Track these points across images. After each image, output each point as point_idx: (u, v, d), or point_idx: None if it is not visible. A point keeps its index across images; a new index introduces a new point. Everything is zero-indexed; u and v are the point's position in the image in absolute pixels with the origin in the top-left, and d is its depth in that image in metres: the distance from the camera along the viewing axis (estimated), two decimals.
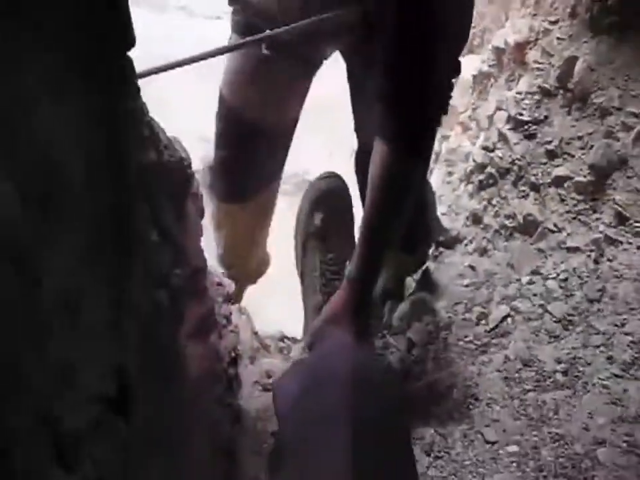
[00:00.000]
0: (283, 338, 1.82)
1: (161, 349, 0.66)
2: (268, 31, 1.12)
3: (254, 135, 1.39)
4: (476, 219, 1.74)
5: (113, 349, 0.50)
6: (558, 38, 1.89)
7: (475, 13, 2.52)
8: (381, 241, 1.09)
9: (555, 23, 1.96)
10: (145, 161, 0.59)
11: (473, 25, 2.66)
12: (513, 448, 1.14)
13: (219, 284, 1.19)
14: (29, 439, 0.36)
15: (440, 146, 2.20)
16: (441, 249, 1.77)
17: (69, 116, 0.43)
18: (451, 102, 2.27)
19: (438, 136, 2.30)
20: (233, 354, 1.16)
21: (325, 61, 1.40)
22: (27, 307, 0.36)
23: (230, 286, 1.23)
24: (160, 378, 0.66)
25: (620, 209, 1.38)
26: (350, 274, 1.09)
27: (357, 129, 1.42)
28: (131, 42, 0.52)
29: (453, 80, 1.04)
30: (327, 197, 1.37)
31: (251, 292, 1.87)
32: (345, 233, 1.40)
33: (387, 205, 1.04)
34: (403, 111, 0.99)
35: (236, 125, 1.41)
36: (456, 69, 1.04)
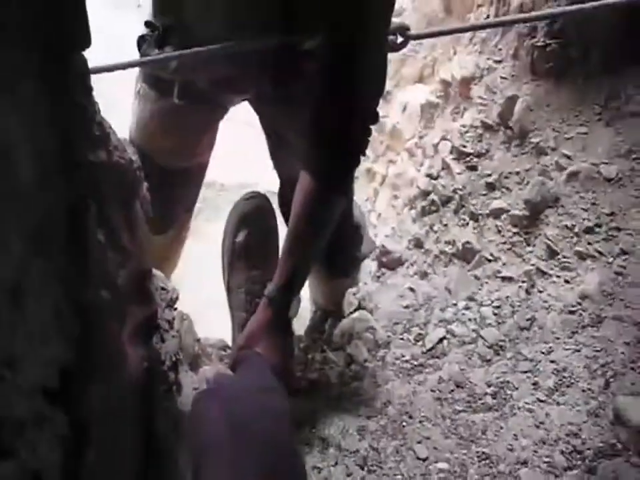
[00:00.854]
0: (224, 347, 1.82)
1: (102, 347, 0.66)
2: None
3: (166, 178, 1.40)
4: (418, 243, 1.80)
5: (55, 344, 0.50)
6: (501, 77, 2.00)
7: (426, 42, 2.61)
8: (300, 263, 1.16)
9: (499, 62, 2.07)
10: (94, 160, 0.59)
11: (424, 55, 2.76)
12: (443, 465, 1.19)
13: (163, 288, 1.19)
14: None
15: (387, 170, 2.26)
16: (384, 270, 1.82)
17: (19, 110, 0.43)
18: (399, 127, 2.36)
19: (385, 160, 2.39)
20: (173, 358, 1.17)
21: (232, 108, 1.46)
22: None
23: (174, 291, 1.24)
24: (100, 375, 0.66)
25: (551, 243, 1.47)
26: (269, 293, 1.15)
27: (276, 168, 1.51)
28: (85, 41, 0.53)
29: (371, 127, 1.12)
30: (251, 216, 1.41)
31: (195, 301, 1.86)
32: (270, 251, 1.43)
33: (306, 230, 1.12)
34: (325, 150, 1.08)
35: (148, 168, 1.44)
36: (373, 117, 1.12)
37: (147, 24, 1.23)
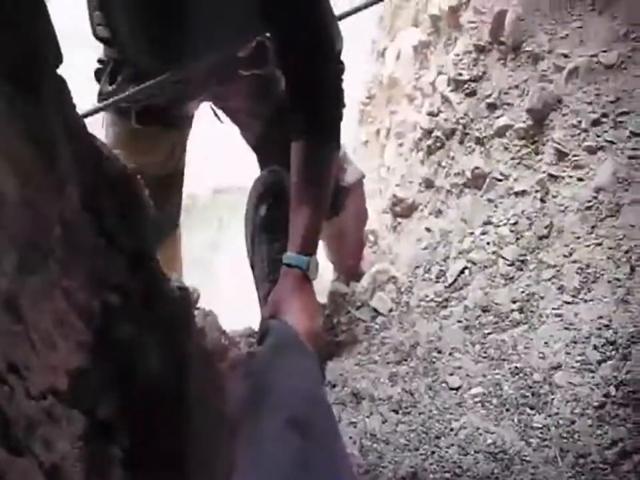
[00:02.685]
0: (252, 334, 1.88)
1: (119, 346, 0.71)
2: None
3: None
4: (428, 183, 1.81)
5: (62, 350, 0.56)
6: None
7: None
8: (310, 223, 1.22)
9: None
10: (88, 171, 0.65)
11: (416, 1, 2.79)
12: (477, 390, 1.20)
13: (181, 289, 1.25)
14: None
15: (390, 122, 2.29)
16: (399, 220, 1.85)
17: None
18: (396, 76, 2.38)
19: (388, 112, 2.41)
20: (199, 352, 1.23)
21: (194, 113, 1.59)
22: None
23: (194, 291, 1.30)
24: (122, 381, 0.71)
25: (559, 146, 1.46)
26: (287, 259, 1.22)
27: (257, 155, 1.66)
28: (58, 58, 0.58)
29: (342, 76, 1.23)
30: (269, 191, 1.48)
31: (223, 295, 1.94)
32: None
33: (309, 188, 1.21)
34: (314, 112, 1.20)
35: None
36: (342, 67, 1.23)
37: (99, 61, 1.40)
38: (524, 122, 1.59)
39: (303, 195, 1.21)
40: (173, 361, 0.96)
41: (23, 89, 0.52)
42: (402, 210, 1.83)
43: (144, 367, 0.83)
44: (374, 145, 2.61)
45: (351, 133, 3.10)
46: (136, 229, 0.83)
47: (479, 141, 1.70)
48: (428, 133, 1.90)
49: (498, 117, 1.68)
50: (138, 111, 1.40)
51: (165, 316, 0.94)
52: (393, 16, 3.05)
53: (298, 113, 1.20)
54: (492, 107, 1.73)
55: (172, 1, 1.19)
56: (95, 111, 1.39)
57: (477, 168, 1.64)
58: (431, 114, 1.94)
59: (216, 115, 1.56)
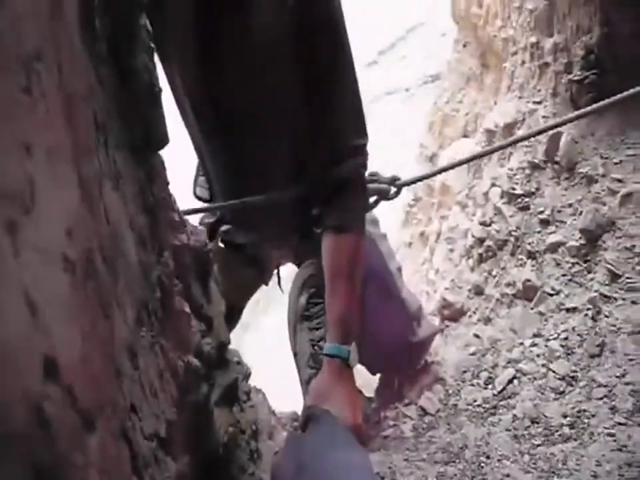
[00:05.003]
0: (297, 419, 1.92)
1: (195, 407, 0.78)
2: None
3: None
4: (478, 290, 1.88)
5: (162, 400, 0.62)
6: (543, 116, 2.13)
7: (466, 99, 2.79)
8: (345, 312, 1.27)
9: (539, 103, 2.21)
10: (177, 242, 0.74)
11: (465, 112, 2.93)
12: None
13: (238, 363, 1.32)
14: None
15: (440, 227, 2.38)
16: (447, 323, 1.90)
17: (124, 200, 0.56)
18: (448, 183, 2.48)
19: (438, 217, 2.51)
20: (253, 427, 1.28)
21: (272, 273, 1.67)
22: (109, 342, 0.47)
23: (247, 367, 1.37)
24: (194, 432, 0.77)
25: (612, 267, 1.53)
26: (327, 350, 1.27)
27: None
28: (165, 141, 0.69)
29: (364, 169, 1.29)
30: (310, 281, 1.56)
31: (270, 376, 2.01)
32: None
33: (340, 279, 1.26)
34: (334, 205, 1.27)
35: None
36: (364, 158, 1.27)
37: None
38: (576, 240, 1.66)
39: (335, 286, 1.27)
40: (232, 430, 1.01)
41: (140, 163, 0.62)
42: (450, 313, 1.89)
43: (211, 430, 0.89)
44: (418, 247, 2.70)
45: (394, 233, 3.21)
46: (210, 299, 0.91)
47: (531, 255, 1.77)
48: (480, 241, 1.98)
49: (550, 233, 1.76)
50: (224, 236, 1.51)
51: (226, 382, 1.00)
52: (442, 123, 3.22)
53: (321, 207, 1.28)
54: (545, 222, 1.81)
55: (252, 176, 1.31)
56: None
57: (528, 280, 1.70)
58: (483, 223, 2.02)
59: (279, 281, 1.65)
